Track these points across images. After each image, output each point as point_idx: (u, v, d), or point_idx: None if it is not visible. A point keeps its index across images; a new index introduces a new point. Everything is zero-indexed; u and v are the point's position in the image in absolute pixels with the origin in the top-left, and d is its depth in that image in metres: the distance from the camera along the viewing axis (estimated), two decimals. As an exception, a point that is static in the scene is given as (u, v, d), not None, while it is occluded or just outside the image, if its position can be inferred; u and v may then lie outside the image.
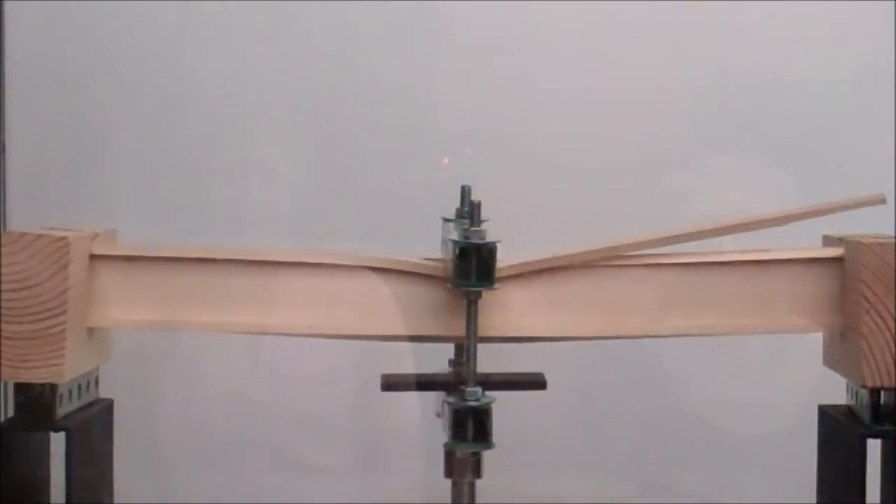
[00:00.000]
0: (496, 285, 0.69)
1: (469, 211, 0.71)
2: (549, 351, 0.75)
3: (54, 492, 0.72)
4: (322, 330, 0.73)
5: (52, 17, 1.01)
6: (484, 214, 0.70)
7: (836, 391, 0.77)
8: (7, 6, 0.99)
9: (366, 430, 1.03)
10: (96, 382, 0.77)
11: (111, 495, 0.78)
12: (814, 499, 0.77)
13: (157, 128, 1.02)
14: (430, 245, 0.76)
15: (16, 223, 0.96)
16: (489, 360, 0.72)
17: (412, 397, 0.83)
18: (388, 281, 0.73)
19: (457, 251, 0.69)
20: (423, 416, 0.90)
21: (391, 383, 0.77)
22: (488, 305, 0.71)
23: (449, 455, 0.71)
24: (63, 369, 0.68)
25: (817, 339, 0.78)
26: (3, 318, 0.68)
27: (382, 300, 0.73)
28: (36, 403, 0.69)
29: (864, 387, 0.71)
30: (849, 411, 0.75)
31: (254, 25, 1.01)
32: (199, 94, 1.02)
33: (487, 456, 0.71)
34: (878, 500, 0.72)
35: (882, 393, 0.71)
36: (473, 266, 0.69)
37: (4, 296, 0.68)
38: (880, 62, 1.01)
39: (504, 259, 0.71)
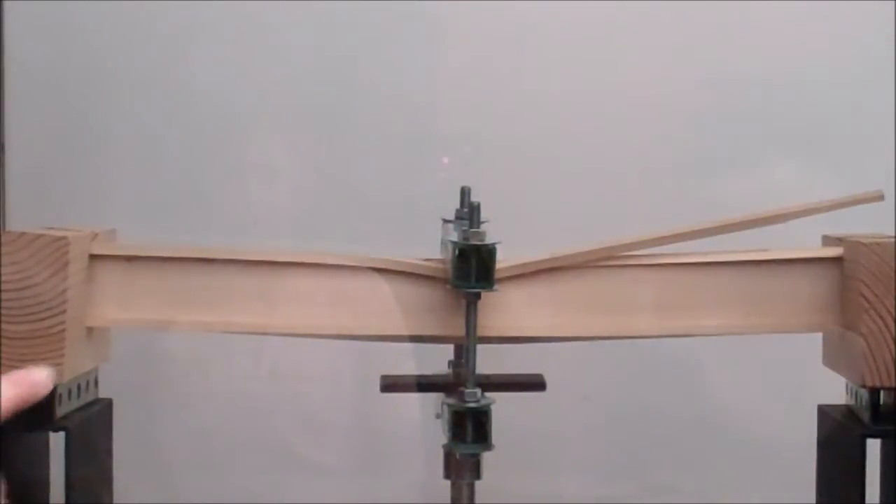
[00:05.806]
0: (496, 287, 0.69)
1: (468, 212, 0.71)
2: (548, 351, 0.75)
3: (54, 492, 0.72)
4: (322, 330, 0.73)
5: (52, 17, 1.01)
6: (483, 215, 0.70)
7: (836, 391, 0.77)
8: (7, 6, 0.99)
9: (366, 430, 1.03)
10: (96, 382, 0.76)
11: (111, 495, 0.78)
12: (814, 499, 0.77)
13: (157, 128, 1.02)
14: (430, 246, 0.76)
15: (16, 223, 0.96)
16: (489, 361, 0.72)
17: (412, 398, 0.83)
18: (388, 281, 0.73)
19: (456, 252, 0.69)
20: (423, 417, 0.90)
21: (390, 384, 0.77)
22: (488, 306, 0.71)
23: (448, 456, 0.71)
24: (63, 369, 0.68)
25: (817, 339, 0.78)
26: (3, 318, 0.68)
27: (382, 300, 0.72)
28: (35, 403, 0.69)
29: (864, 387, 0.71)
30: (849, 411, 0.75)
31: (253, 26, 1.02)
32: (199, 94, 1.02)
33: (487, 456, 0.71)
34: (878, 500, 0.72)
35: (882, 393, 0.71)
36: (473, 268, 0.68)
37: (4, 296, 0.68)
38: (880, 62, 1.01)
39: (504, 259, 0.70)
